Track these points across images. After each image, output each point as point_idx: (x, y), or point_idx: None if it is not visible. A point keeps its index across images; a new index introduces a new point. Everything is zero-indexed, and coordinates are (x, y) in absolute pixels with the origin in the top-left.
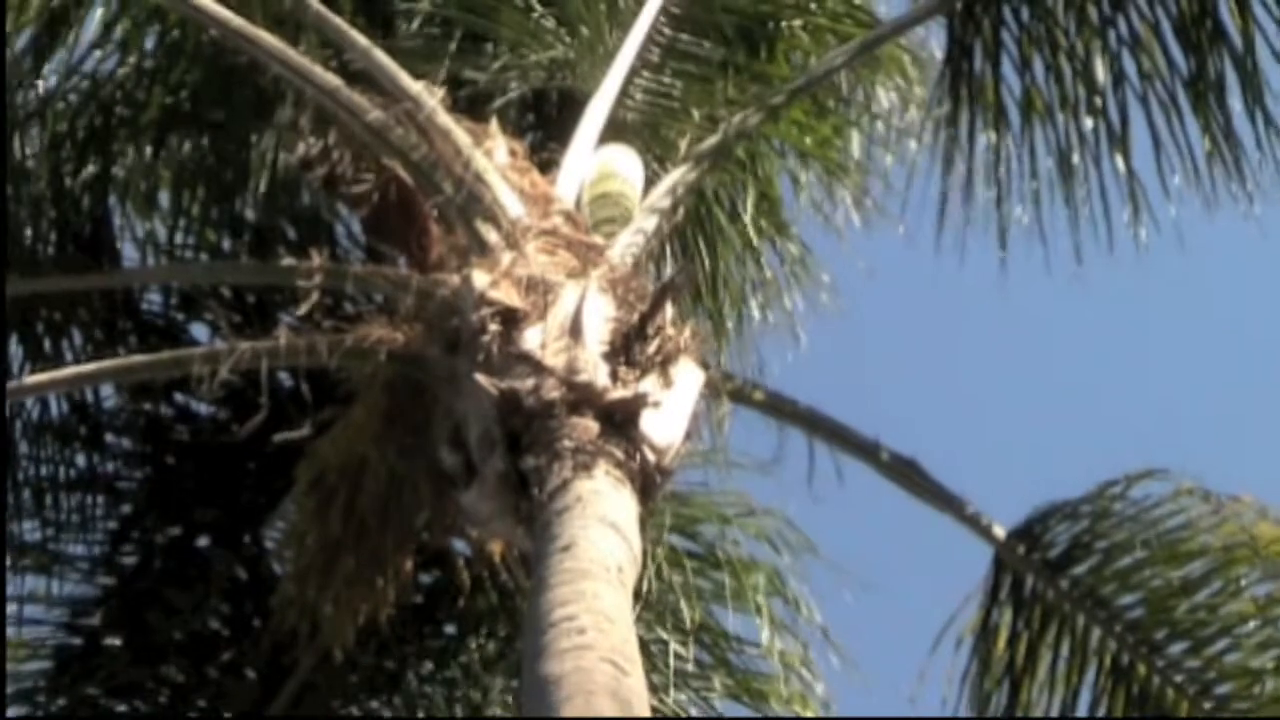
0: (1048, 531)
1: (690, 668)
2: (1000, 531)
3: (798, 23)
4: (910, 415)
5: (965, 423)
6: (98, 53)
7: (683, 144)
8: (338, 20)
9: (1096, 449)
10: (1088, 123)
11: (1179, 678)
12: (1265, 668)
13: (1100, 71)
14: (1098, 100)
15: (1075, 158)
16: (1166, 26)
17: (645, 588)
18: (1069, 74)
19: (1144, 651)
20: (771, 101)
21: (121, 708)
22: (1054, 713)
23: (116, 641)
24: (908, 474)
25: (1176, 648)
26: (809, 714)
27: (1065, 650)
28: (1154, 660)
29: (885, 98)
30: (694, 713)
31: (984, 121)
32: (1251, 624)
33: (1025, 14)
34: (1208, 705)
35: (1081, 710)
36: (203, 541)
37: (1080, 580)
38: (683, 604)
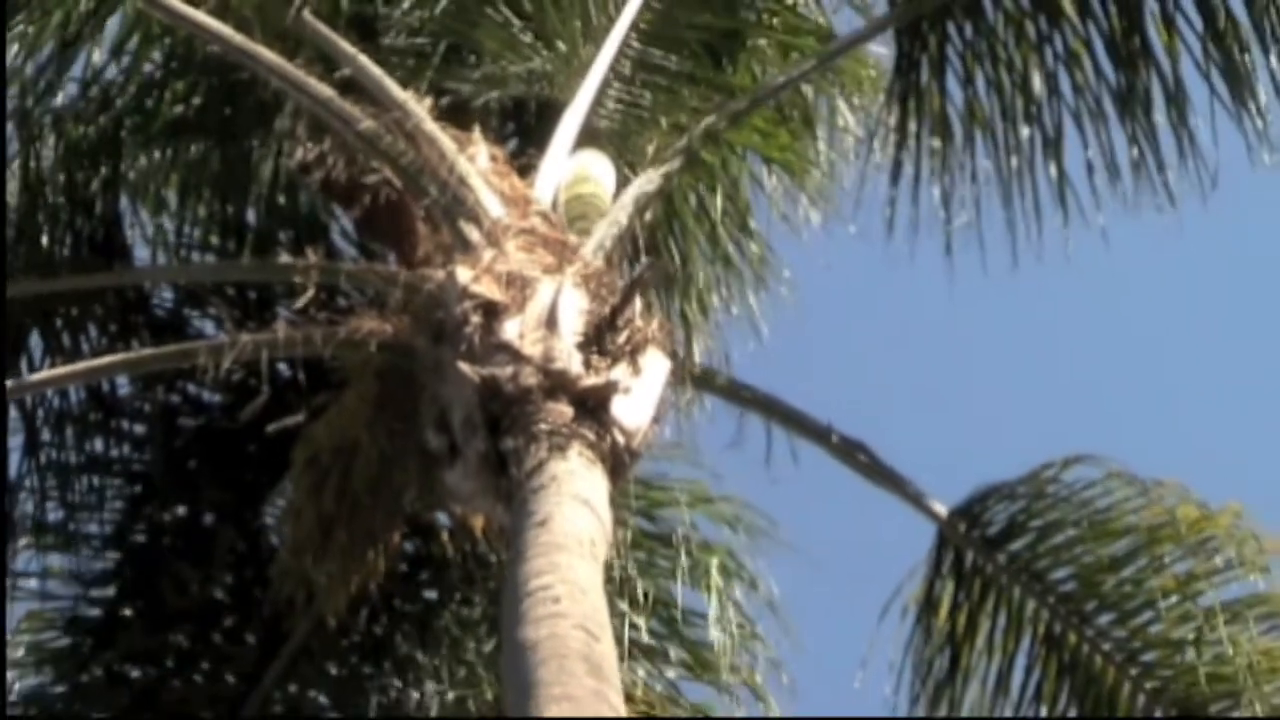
0: (987, 511)
1: (646, 639)
2: (943, 510)
3: (762, 41)
4: (862, 401)
5: (912, 408)
6: (111, 66)
7: (651, 150)
8: (332, 35)
9: (1034, 433)
10: (1024, 131)
11: (1106, 646)
12: (1185, 639)
13: (1037, 84)
14: (1034, 110)
15: (1013, 163)
16: (1098, 42)
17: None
18: (1008, 86)
19: (1074, 622)
20: (734, 109)
21: (135, 672)
22: (991, 677)
23: (129, 611)
24: (857, 456)
25: (1104, 619)
26: (755, 684)
27: (1002, 620)
28: (1084, 630)
29: (840, 106)
30: (658, 689)
31: (930, 129)
32: (1173, 598)
33: (969, 31)
34: (1133, 672)
35: (1017, 675)
36: (208, 519)
37: (1017, 556)
38: (640, 581)
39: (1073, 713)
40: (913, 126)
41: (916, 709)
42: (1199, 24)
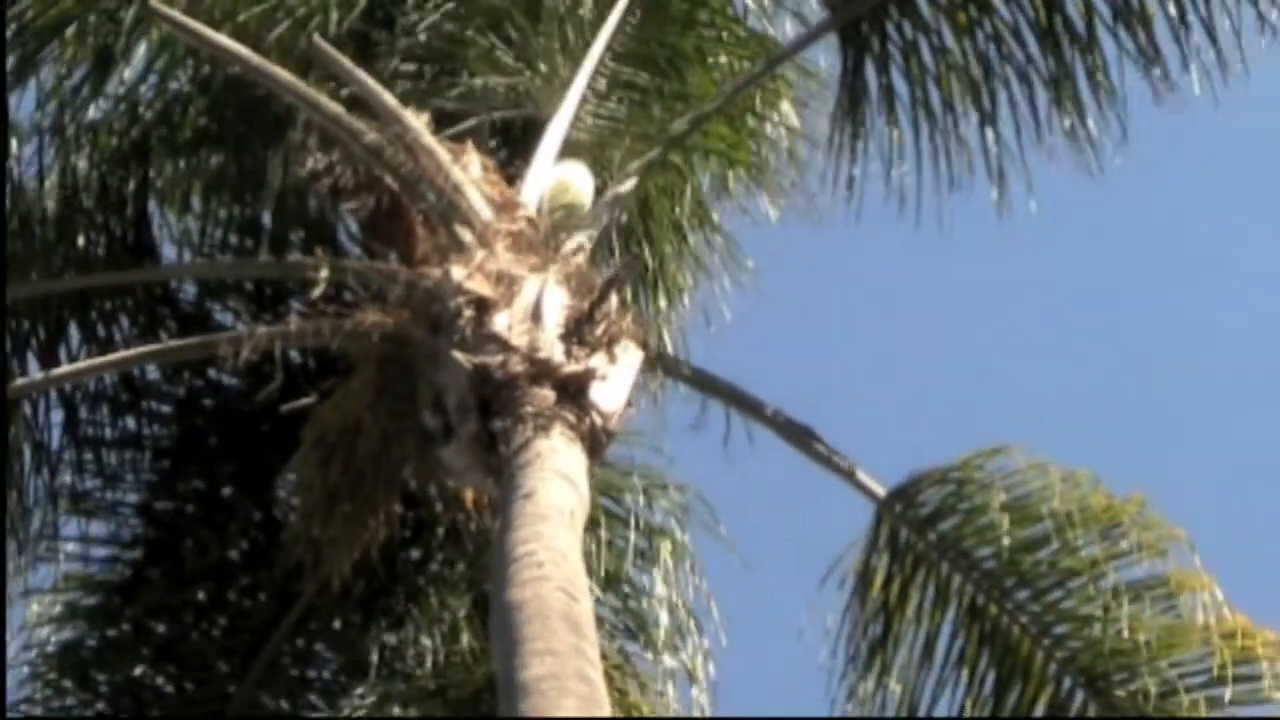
0: (920, 493)
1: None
2: (881, 491)
3: (721, 56)
4: (816, 385)
5: (864, 392)
6: (141, 84)
7: (624, 158)
8: (340, 57)
9: (966, 419)
10: (961, 112)
11: (1023, 619)
12: (1094, 615)
13: (973, 69)
14: (968, 98)
15: (951, 148)
16: (1025, 26)
17: None
18: (944, 72)
19: (995, 596)
20: (696, 117)
21: (159, 626)
22: (919, 643)
23: (154, 572)
24: (805, 440)
25: (1022, 594)
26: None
27: (930, 592)
28: (1003, 604)
29: (787, 108)
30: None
31: (879, 119)
32: (1082, 578)
33: (907, 28)
34: (1046, 643)
35: (942, 642)
36: (226, 490)
37: (945, 535)
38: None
39: (991, 677)
40: (861, 119)
41: (851, 670)
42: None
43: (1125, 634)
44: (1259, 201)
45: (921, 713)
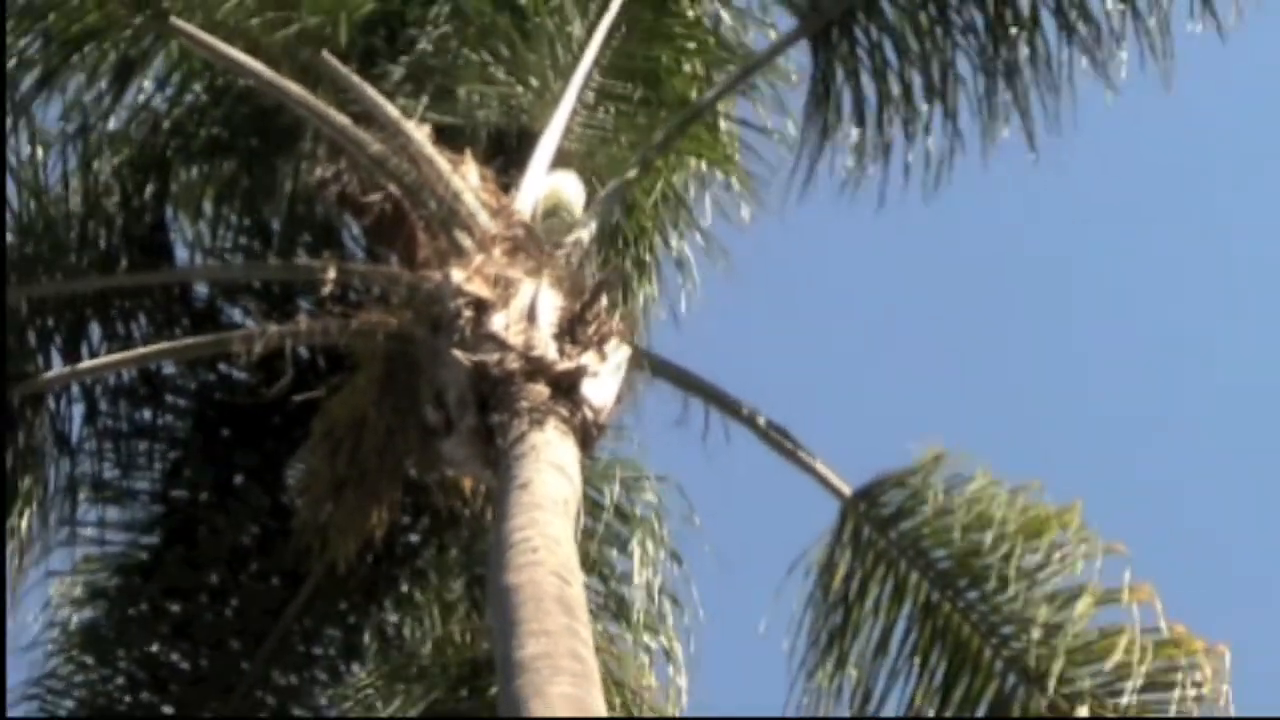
0: (883, 494)
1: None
2: (847, 490)
3: (700, 69)
4: (791, 380)
5: (838, 388)
6: (158, 94)
7: (611, 164)
8: (346, 71)
9: (939, 414)
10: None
11: (973, 617)
12: (1034, 618)
13: (934, 70)
14: (934, 86)
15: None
16: (980, 24)
17: None
18: (907, 71)
19: (949, 594)
20: (678, 123)
21: (174, 606)
22: (876, 634)
23: (171, 556)
24: (779, 440)
25: (973, 594)
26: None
27: (889, 587)
28: (956, 602)
29: (762, 111)
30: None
31: (849, 118)
32: (1027, 582)
33: (872, 27)
34: (993, 641)
35: (897, 634)
36: (238, 478)
37: (905, 534)
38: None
39: (941, 670)
40: (831, 119)
41: (812, 655)
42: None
43: (1067, 637)
44: (1215, 197)
45: (875, 699)
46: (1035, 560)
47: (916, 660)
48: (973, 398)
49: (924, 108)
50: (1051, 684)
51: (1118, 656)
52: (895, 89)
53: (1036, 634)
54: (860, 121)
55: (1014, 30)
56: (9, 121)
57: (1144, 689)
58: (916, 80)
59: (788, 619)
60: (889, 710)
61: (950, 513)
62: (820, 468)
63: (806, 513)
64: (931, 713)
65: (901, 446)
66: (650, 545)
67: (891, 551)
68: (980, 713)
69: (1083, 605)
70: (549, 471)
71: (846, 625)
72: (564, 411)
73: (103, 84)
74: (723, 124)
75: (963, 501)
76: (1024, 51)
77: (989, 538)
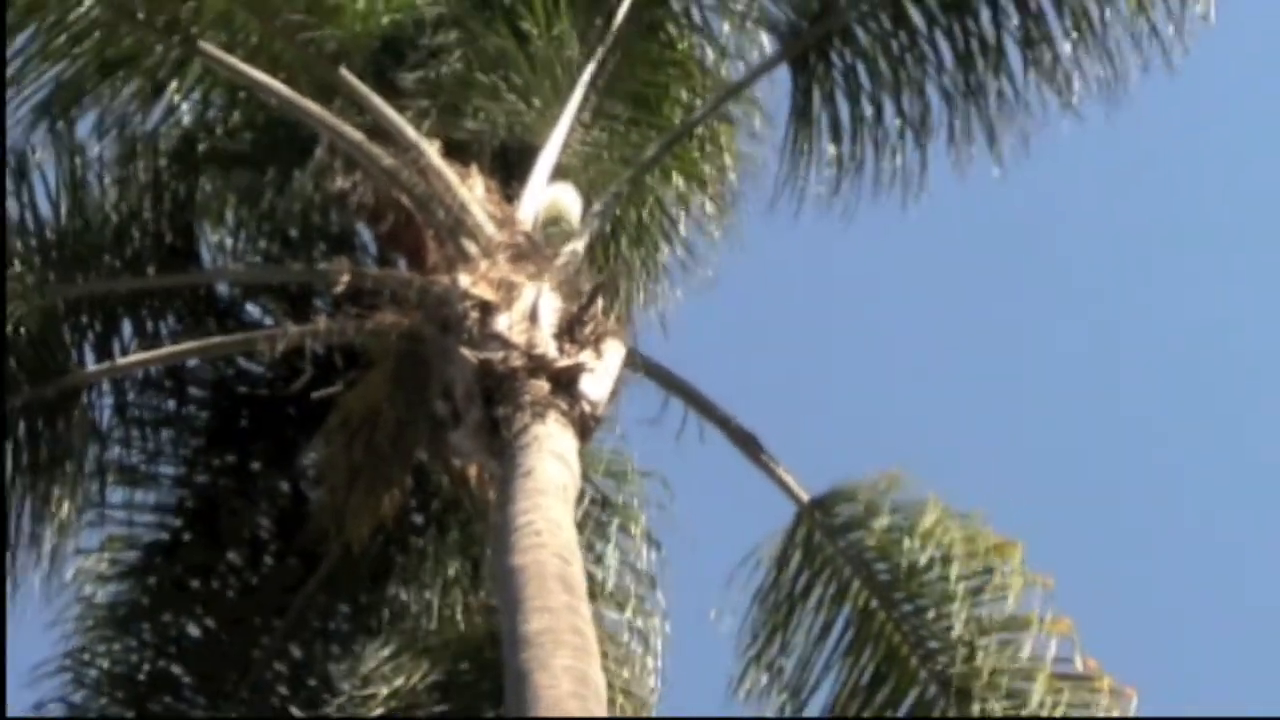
0: (836, 505)
1: None
2: (805, 497)
3: (685, 94)
4: (767, 390)
5: (814, 393)
6: (187, 110)
7: (606, 180)
8: (362, 87)
9: (897, 431)
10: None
11: (904, 628)
12: (961, 637)
13: (905, 93)
14: (902, 115)
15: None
16: (945, 47)
17: None
18: (879, 93)
19: (884, 604)
20: (666, 143)
21: (195, 583)
22: (816, 629)
23: (193, 536)
24: (748, 445)
25: (907, 607)
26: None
27: (832, 589)
28: (890, 612)
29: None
30: None
31: (825, 137)
32: (957, 604)
33: (848, 55)
34: (920, 654)
35: (835, 632)
36: (256, 465)
37: (851, 544)
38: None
39: (870, 670)
40: (808, 137)
41: (755, 642)
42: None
43: (989, 660)
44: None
45: (808, 689)
46: (970, 585)
47: (849, 659)
48: (945, 409)
49: (895, 127)
50: (970, 700)
51: (1035, 685)
52: (868, 110)
53: (961, 652)
54: (835, 140)
55: (981, 59)
56: (46, 131)
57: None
58: (888, 102)
59: (737, 607)
60: (819, 699)
61: (896, 530)
62: (782, 474)
63: (770, 511)
64: (854, 709)
65: (869, 456)
66: (635, 533)
67: (838, 558)
68: (901, 712)
69: (1007, 633)
70: (550, 460)
71: (790, 618)
72: (563, 405)
73: (135, 101)
74: (707, 146)
75: (909, 522)
76: (991, 78)
77: (927, 559)
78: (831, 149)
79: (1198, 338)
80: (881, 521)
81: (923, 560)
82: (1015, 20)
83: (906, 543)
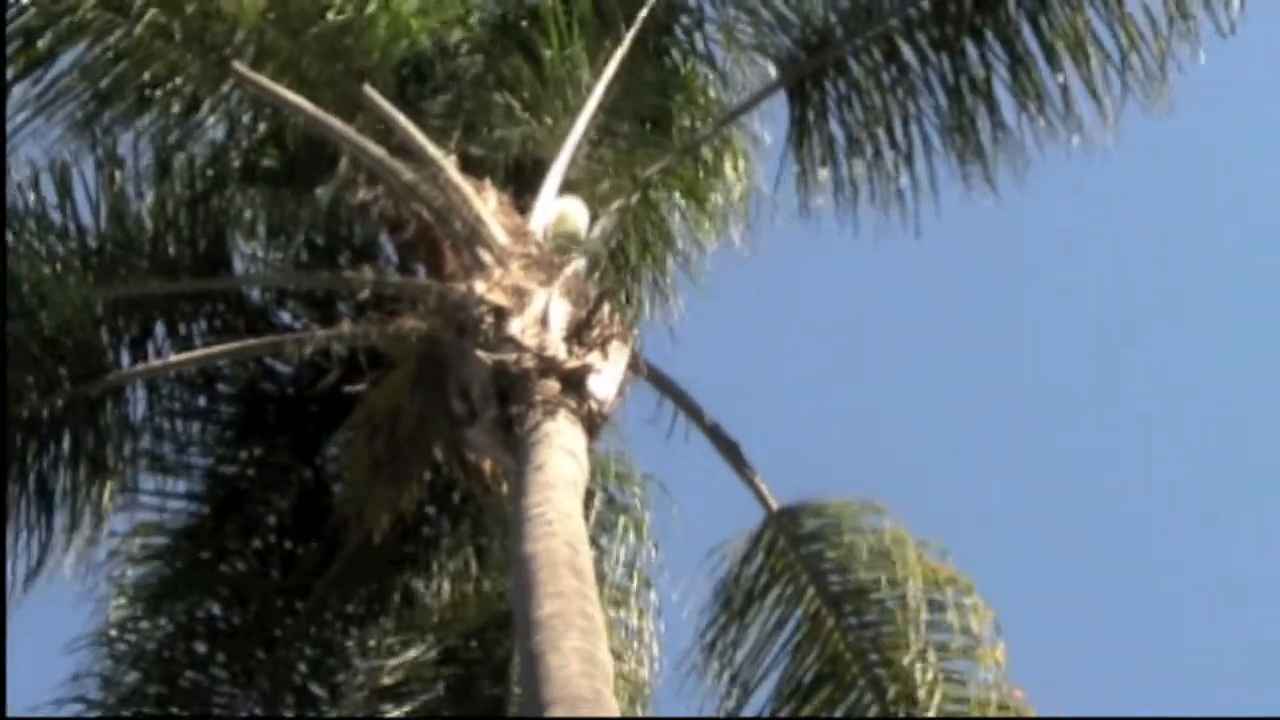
0: (801, 517)
1: None
2: (774, 505)
3: (685, 116)
4: (752, 389)
5: (803, 402)
6: (219, 125)
7: (612, 195)
8: (386, 105)
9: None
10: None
11: (849, 637)
12: (900, 659)
13: (896, 124)
14: (892, 136)
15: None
16: (936, 83)
17: None
18: (872, 123)
19: (834, 614)
20: (669, 163)
21: (223, 567)
22: (770, 624)
23: (222, 523)
24: (729, 451)
25: (854, 620)
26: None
27: (788, 591)
28: (839, 622)
29: (740, 155)
30: None
31: (820, 156)
32: (899, 626)
33: (841, 84)
34: (860, 663)
35: (786, 630)
36: (282, 458)
37: (811, 554)
38: None
39: (813, 671)
40: (804, 160)
41: (712, 629)
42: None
43: (923, 678)
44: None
45: (755, 679)
46: (915, 609)
47: (796, 656)
48: (936, 427)
49: (886, 153)
50: (900, 711)
51: (963, 707)
52: (860, 137)
53: (899, 667)
54: (826, 163)
55: (970, 95)
56: (88, 144)
57: None
58: (881, 131)
59: (700, 599)
60: (764, 690)
61: (855, 548)
62: (758, 481)
63: (739, 512)
64: (795, 704)
65: (859, 473)
66: (633, 530)
67: (797, 564)
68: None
69: (945, 656)
70: (560, 455)
71: (747, 611)
72: (572, 403)
73: (172, 117)
74: (708, 165)
75: (868, 543)
76: (981, 112)
77: (878, 579)
78: (824, 172)
79: (1171, 368)
80: (843, 538)
81: (874, 579)
82: (1004, 61)
83: (862, 560)
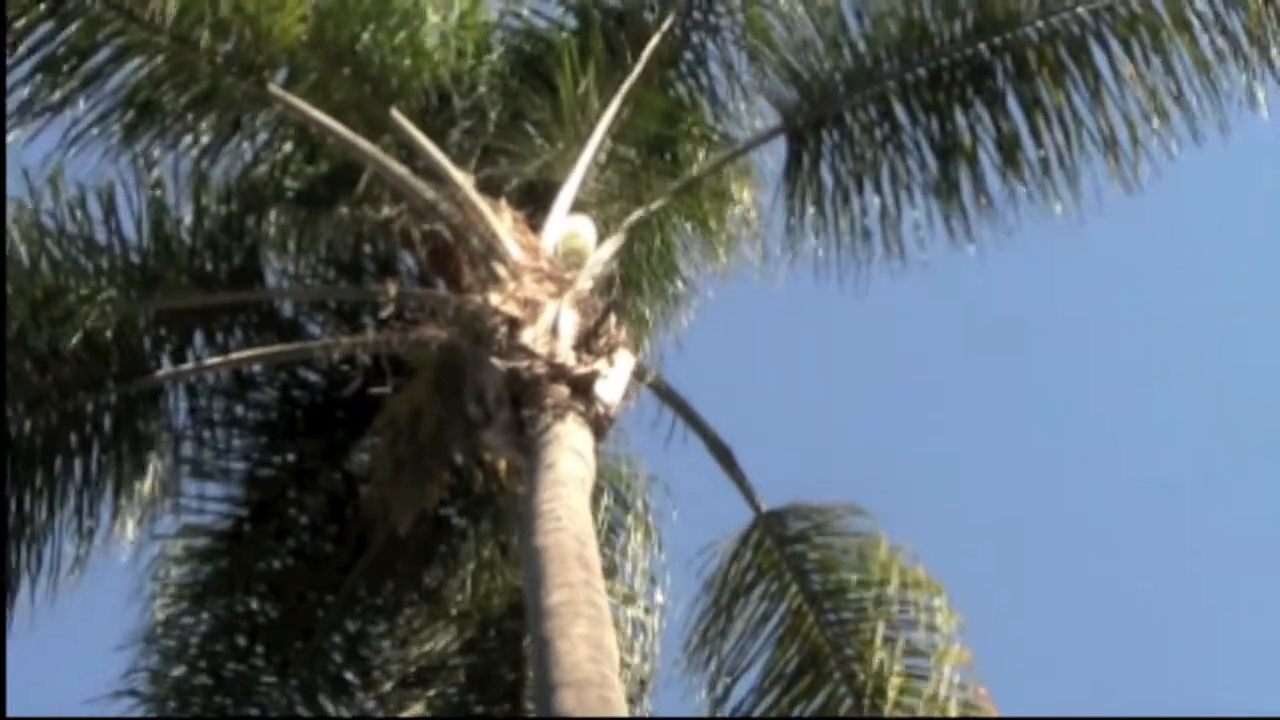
0: (788, 519)
1: None
2: (764, 507)
3: (690, 145)
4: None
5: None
6: (254, 145)
7: (618, 216)
8: (410, 128)
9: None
10: (875, 200)
11: (828, 633)
12: (872, 655)
13: (883, 172)
14: (880, 186)
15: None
16: (922, 138)
17: None
18: (862, 170)
19: (814, 611)
20: (674, 188)
21: (260, 565)
22: (755, 618)
23: (258, 524)
24: (723, 456)
25: (832, 617)
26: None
27: (773, 587)
28: (819, 618)
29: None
30: None
31: (811, 197)
32: (874, 626)
33: (836, 134)
34: (837, 658)
35: (769, 625)
36: (312, 462)
37: (795, 555)
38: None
39: (794, 663)
40: (799, 195)
41: (704, 620)
42: (991, 126)
43: (892, 675)
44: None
45: (739, 669)
46: (889, 609)
47: (778, 649)
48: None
49: (874, 204)
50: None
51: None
52: (850, 185)
53: (873, 666)
54: (817, 205)
55: (957, 157)
56: (130, 163)
57: None
58: (869, 181)
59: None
60: (748, 679)
61: (836, 551)
62: (748, 484)
63: (730, 513)
64: (776, 694)
65: (837, 473)
66: (638, 530)
67: (781, 563)
68: (814, 705)
69: (913, 655)
70: (569, 455)
71: (733, 605)
72: (581, 407)
73: (210, 136)
74: (710, 193)
75: (849, 546)
76: (965, 174)
77: (856, 579)
78: (813, 211)
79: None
80: (826, 540)
81: (851, 579)
82: (991, 130)
83: (841, 561)
